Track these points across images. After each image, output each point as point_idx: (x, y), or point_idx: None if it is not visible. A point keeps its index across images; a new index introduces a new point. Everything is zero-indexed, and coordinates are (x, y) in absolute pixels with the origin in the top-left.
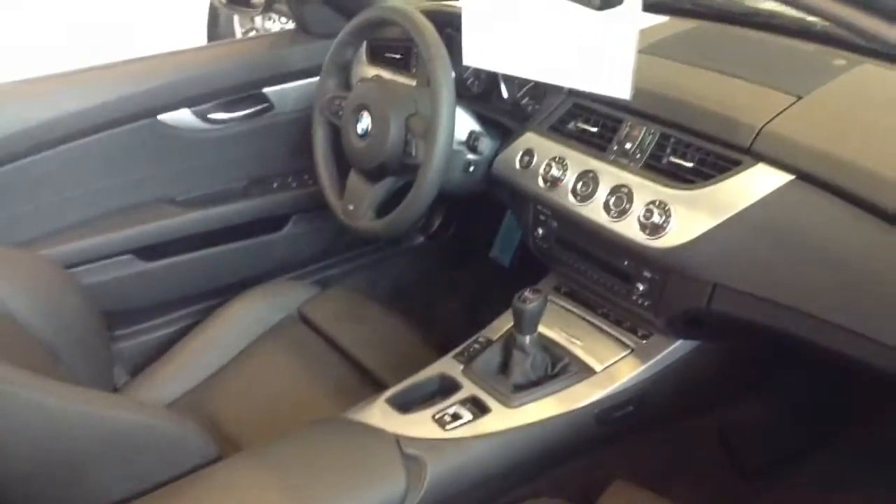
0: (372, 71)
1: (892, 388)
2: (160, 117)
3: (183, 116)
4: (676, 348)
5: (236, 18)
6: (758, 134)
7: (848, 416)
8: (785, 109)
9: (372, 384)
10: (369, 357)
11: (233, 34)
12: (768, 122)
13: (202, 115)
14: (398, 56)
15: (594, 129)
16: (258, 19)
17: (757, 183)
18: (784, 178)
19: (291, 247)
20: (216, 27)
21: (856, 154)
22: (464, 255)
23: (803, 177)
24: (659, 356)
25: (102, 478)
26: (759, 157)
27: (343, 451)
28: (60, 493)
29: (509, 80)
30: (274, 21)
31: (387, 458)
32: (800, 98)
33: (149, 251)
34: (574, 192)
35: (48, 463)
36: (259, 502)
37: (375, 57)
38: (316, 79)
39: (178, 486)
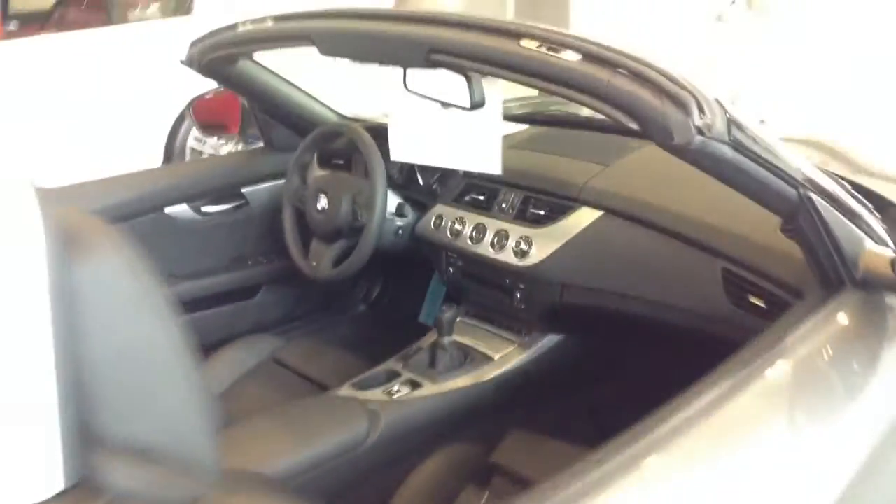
0: (321, 172)
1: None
2: (166, 210)
3: (182, 210)
4: (546, 341)
5: (191, 138)
6: (581, 188)
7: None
8: (598, 173)
9: None
10: (334, 382)
11: (184, 149)
12: (587, 181)
13: (196, 209)
14: (341, 161)
15: (481, 197)
16: (213, 139)
17: (581, 219)
18: (598, 213)
19: (262, 311)
20: (174, 141)
21: (643, 194)
22: (397, 320)
23: (610, 211)
24: (535, 346)
25: None
26: (583, 203)
27: (320, 410)
28: None
29: (424, 170)
30: (225, 143)
31: (353, 410)
32: (607, 166)
33: None
34: (471, 238)
35: None
36: (258, 441)
37: (323, 162)
38: (280, 181)
39: None
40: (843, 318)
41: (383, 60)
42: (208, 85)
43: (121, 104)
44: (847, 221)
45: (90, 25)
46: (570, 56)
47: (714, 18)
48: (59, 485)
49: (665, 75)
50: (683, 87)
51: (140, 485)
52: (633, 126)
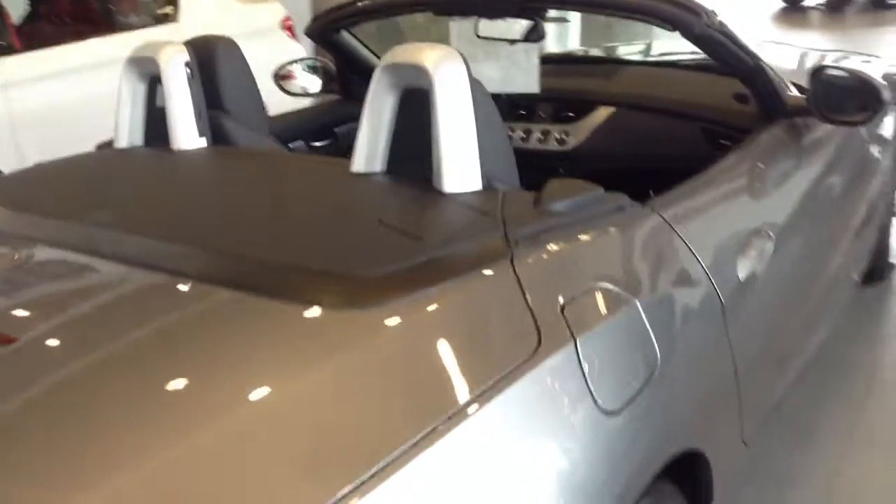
0: None
1: None
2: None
3: (296, 146)
4: None
5: None
6: (598, 93)
7: None
8: (606, 84)
9: None
10: None
11: None
12: (601, 89)
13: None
14: None
15: (524, 112)
16: None
17: (601, 114)
18: (612, 109)
19: None
20: None
21: (640, 91)
22: None
23: (620, 106)
24: None
25: None
26: (601, 104)
27: None
28: None
29: None
30: None
31: None
32: (611, 79)
33: None
34: (521, 139)
35: None
36: None
37: None
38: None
39: None
40: (779, 133)
41: (483, 14)
42: None
43: None
44: (780, 80)
45: (93, 34)
46: None
47: None
48: (480, 184)
49: None
50: (695, 3)
51: (506, 187)
52: (669, 29)
